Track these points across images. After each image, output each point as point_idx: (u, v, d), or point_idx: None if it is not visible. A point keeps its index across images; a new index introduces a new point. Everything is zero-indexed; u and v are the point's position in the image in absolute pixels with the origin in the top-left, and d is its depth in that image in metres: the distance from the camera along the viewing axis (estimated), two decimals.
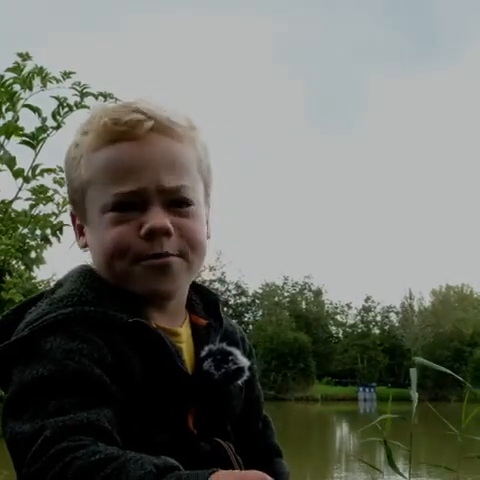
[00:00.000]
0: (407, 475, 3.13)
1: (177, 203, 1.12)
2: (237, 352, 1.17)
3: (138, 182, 1.09)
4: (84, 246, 1.19)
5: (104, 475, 0.84)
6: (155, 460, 0.87)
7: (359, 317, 74.87)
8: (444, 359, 56.03)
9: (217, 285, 68.21)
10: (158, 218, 1.09)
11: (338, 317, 76.29)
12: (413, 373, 2.96)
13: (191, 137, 1.16)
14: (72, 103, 2.81)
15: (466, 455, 3.24)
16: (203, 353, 1.15)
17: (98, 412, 0.94)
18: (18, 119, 2.73)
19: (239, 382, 1.17)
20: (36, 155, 2.78)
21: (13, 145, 2.75)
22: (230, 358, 1.15)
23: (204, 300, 1.26)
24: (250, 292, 72.78)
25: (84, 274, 1.14)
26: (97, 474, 0.85)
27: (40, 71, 2.72)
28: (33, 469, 0.89)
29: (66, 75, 2.76)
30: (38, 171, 2.77)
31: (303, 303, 74.33)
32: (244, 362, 1.17)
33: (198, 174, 1.17)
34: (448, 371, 3.22)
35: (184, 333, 1.18)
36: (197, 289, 1.25)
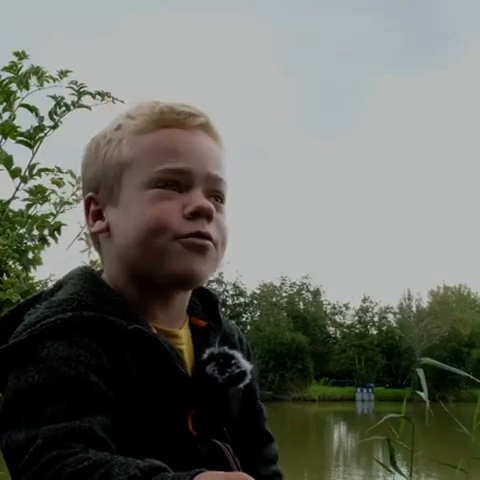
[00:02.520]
0: (408, 474, 3.14)
1: (216, 195, 1.15)
2: (239, 355, 1.17)
3: (187, 162, 1.11)
4: (103, 230, 1.16)
5: None
6: (140, 463, 0.87)
7: (357, 318, 74.99)
8: (442, 360, 56.13)
9: (215, 285, 68.27)
10: (204, 200, 1.11)
11: (336, 318, 76.40)
12: (420, 373, 2.96)
13: (224, 144, 1.20)
14: (69, 102, 2.80)
15: (475, 456, 3.23)
16: (204, 356, 1.14)
17: (92, 420, 0.93)
18: (15, 118, 2.72)
19: (241, 386, 1.16)
20: (33, 155, 2.77)
21: (10, 144, 2.74)
22: (233, 362, 1.15)
23: (203, 301, 1.25)
24: (248, 293, 72.92)
25: (85, 277, 1.13)
26: None
27: (37, 70, 2.71)
28: (25, 478, 0.89)
29: (63, 74, 2.75)
30: (35, 171, 2.77)
31: (301, 304, 74.41)
32: (246, 366, 1.17)
33: (226, 178, 1.19)
34: (457, 370, 3.22)
35: (184, 335, 1.18)
36: (196, 290, 1.24)
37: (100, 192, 1.16)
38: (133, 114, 1.16)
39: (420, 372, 2.96)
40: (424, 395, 2.94)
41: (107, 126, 1.19)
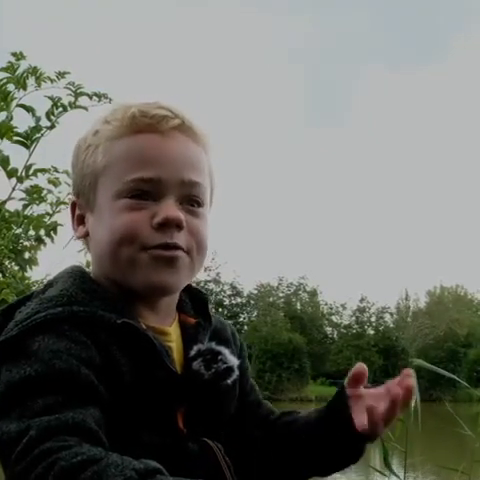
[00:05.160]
0: (403, 476, 3.13)
1: (190, 201, 1.14)
2: (226, 351, 1.18)
3: (158, 171, 1.11)
4: (83, 236, 1.18)
5: (84, 477, 0.85)
6: (136, 464, 0.87)
7: (354, 318, 74.98)
8: (439, 360, 56.18)
9: (212, 286, 68.17)
10: (173, 209, 1.11)
11: (333, 318, 76.43)
12: (413, 374, 2.95)
13: (205, 142, 1.19)
14: (66, 103, 2.80)
15: (476, 458, 3.22)
16: (192, 353, 1.15)
17: (84, 412, 0.94)
18: (12, 119, 2.72)
19: (229, 381, 1.17)
20: (30, 155, 2.77)
21: (7, 145, 2.74)
22: (219, 358, 1.16)
23: (193, 299, 1.26)
24: (245, 293, 72.83)
25: (75, 275, 1.14)
26: (77, 476, 0.85)
27: (34, 71, 2.71)
28: (17, 469, 0.90)
29: (60, 75, 2.76)
30: (32, 171, 2.77)
31: (298, 304, 74.40)
32: (233, 361, 1.18)
33: (208, 179, 1.19)
34: (447, 373, 3.21)
35: (173, 332, 1.18)
36: (186, 289, 1.24)
37: (80, 198, 1.18)
38: (109, 118, 1.16)
39: (412, 373, 2.95)
40: (413, 398, 2.92)
41: (89, 129, 1.19)
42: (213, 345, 1.17)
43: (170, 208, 1.11)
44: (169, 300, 1.19)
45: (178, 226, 1.11)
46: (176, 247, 1.11)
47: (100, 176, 1.13)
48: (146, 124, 1.13)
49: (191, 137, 1.16)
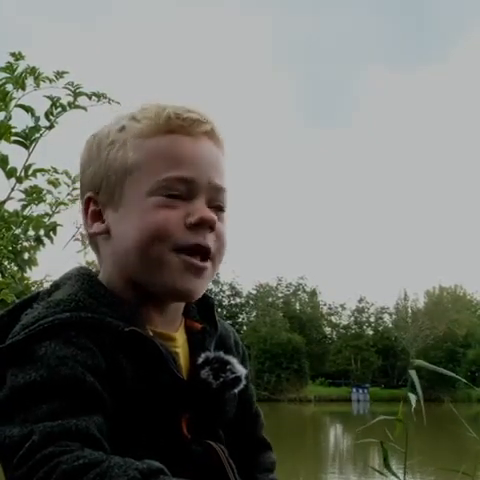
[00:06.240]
0: (402, 477, 3.13)
1: (218, 204, 1.14)
2: (234, 361, 1.17)
3: (193, 172, 1.11)
4: (101, 232, 1.15)
5: None
6: (139, 465, 0.87)
7: (353, 318, 75.02)
8: (438, 360, 56.20)
9: (211, 286, 68.20)
10: (207, 211, 1.11)
11: (332, 318, 76.43)
12: (413, 375, 2.94)
13: (225, 149, 1.20)
14: (65, 103, 2.80)
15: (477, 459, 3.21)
16: (200, 360, 1.14)
17: (88, 419, 0.94)
18: (10, 119, 2.72)
19: (235, 391, 1.16)
20: (29, 155, 2.77)
21: (5, 144, 2.73)
22: (228, 367, 1.15)
23: (199, 304, 1.24)
24: (244, 293, 72.91)
25: (82, 278, 1.13)
26: (80, 479, 0.85)
27: (33, 71, 2.71)
28: (19, 473, 0.90)
29: (59, 75, 2.75)
30: (31, 171, 2.76)
31: (297, 304, 74.41)
32: (241, 371, 1.17)
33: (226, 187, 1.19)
34: (449, 372, 3.20)
35: (180, 338, 1.18)
36: None
37: (100, 193, 1.15)
38: (138, 117, 1.15)
39: (413, 374, 2.94)
40: (413, 398, 2.91)
41: (109, 125, 1.18)
42: (222, 354, 1.16)
43: (204, 209, 1.11)
44: (178, 305, 1.18)
45: (211, 227, 1.11)
46: (207, 250, 1.11)
47: (130, 173, 1.12)
48: (179, 126, 1.13)
49: (216, 143, 1.17)
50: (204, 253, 1.11)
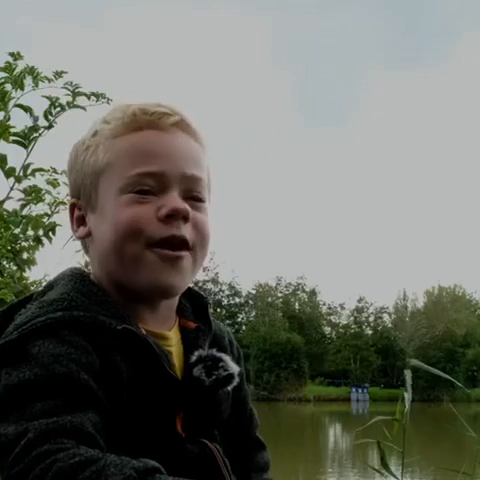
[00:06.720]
0: (400, 476, 3.13)
1: (193, 195, 1.14)
2: (227, 358, 1.17)
3: (161, 165, 1.11)
4: (85, 236, 1.17)
5: (83, 478, 0.85)
6: (135, 463, 0.87)
7: (352, 318, 75.01)
8: (437, 360, 56.26)
9: (210, 286, 68.21)
10: (179, 201, 1.11)
11: (331, 318, 76.42)
12: (408, 374, 2.95)
13: (203, 141, 1.19)
14: (64, 103, 2.80)
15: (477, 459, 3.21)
16: (193, 358, 1.15)
17: (83, 416, 0.94)
18: (9, 119, 2.72)
19: (229, 388, 1.17)
20: (28, 154, 2.77)
21: (4, 144, 2.73)
22: (220, 364, 1.15)
23: (193, 303, 1.25)
24: (243, 293, 72.88)
25: (75, 277, 1.14)
26: (76, 476, 0.85)
27: (31, 70, 2.70)
28: (15, 471, 0.90)
29: (58, 75, 2.75)
30: (30, 171, 2.76)
31: (296, 304, 74.41)
32: (234, 368, 1.17)
33: (207, 177, 1.19)
34: (442, 374, 3.21)
35: (174, 337, 1.18)
36: (186, 292, 1.24)
37: (81, 198, 1.18)
38: (108, 118, 1.17)
39: (407, 373, 2.95)
40: (407, 397, 2.91)
41: (86, 132, 1.20)
42: (214, 352, 1.17)
43: (176, 200, 1.11)
44: (170, 303, 1.18)
45: (185, 218, 1.11)
46: (183, 240, 1.10)
47: (102, 174, 1.13)
48: (147, 121, 1.13)
49: (191, 135, 1.17)
50: (180, 244, 1.11)
